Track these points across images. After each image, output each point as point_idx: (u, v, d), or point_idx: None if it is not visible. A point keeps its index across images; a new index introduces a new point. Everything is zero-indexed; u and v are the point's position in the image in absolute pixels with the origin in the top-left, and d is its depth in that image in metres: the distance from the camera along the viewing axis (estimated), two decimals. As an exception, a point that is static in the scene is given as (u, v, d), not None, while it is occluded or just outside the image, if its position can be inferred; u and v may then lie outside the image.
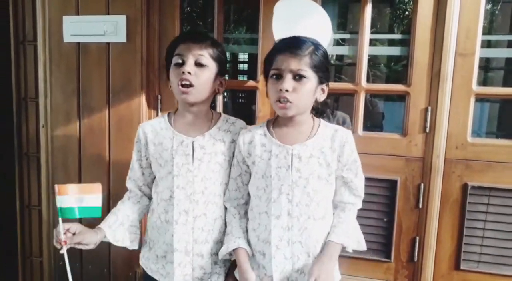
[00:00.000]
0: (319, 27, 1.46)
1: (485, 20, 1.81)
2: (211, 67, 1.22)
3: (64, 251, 1.14)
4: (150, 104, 1.84)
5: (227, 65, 1.34)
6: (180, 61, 1.20)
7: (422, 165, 1.65)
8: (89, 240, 1.18)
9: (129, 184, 1.36)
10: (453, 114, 1.60)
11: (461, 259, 1.64)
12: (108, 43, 1.81)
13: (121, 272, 1.92)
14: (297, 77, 1.12)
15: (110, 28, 1.79)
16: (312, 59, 1.12)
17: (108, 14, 1.79)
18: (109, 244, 1.91)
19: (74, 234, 1.17)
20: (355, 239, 1.22)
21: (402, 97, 1.68)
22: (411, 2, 1.62)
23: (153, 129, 1.29)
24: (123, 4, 1.78)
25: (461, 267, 1.64)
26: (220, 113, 1.35)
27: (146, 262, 1.34)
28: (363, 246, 1.24)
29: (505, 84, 2.59)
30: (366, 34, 1.67)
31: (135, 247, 1.32)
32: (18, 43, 1.98)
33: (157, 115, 1.86)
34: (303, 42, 1.14)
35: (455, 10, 1.55)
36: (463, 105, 1.59)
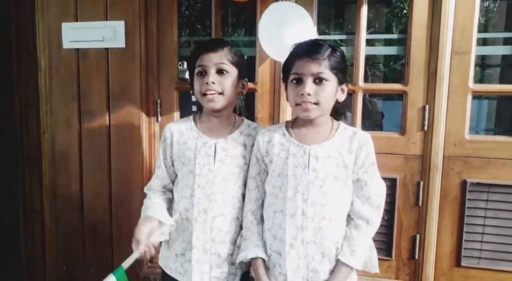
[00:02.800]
0: (304, 31, 1.51)
1: (481, 17, 1.82)
2: (232, 73, 1.27)
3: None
4: (150, 109, 1.86)
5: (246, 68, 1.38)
6: (203, 71, 1.25)
7: (421, 163, 1.66)
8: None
9: (154, 182, 1.38)
10: (451, 111, 1.61)
11: (462, 256, 1.65)
12: (107, 49, 1.83)
13: (124, 275, 1.93)
14: (317, 80, 1.13)
15: (108, 34, 1.80)
16: (330, 61, 1.13)
17: (107, 20, 1.81)
18: (111, 247, 1.93)
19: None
20: (368, 261, 1.22)
21: (401, 96, 1.69)
22: (408, 1, 1.64)
23: (179, 129, 1.34)
24: (121, 10, 1.79)
25: (462, 264, 1.65)
26: (243, 118, 1.39)
27: (165, 261, 1.37)
28: (375, 269, 1.22)
29: (502, 81, 2.60)
30: (363, 34, 1.68)
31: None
32: (18, 50, 1.99)
33: (156, 120, 1.88)
34: (320, 46, 1.15)
35: (450, 8, 1.56)
36: (460, 103, 1.60)
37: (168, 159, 1.35)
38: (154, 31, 1.83)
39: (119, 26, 1.79)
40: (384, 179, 1.66)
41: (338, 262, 1.17)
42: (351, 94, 1.73)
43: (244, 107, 1.45)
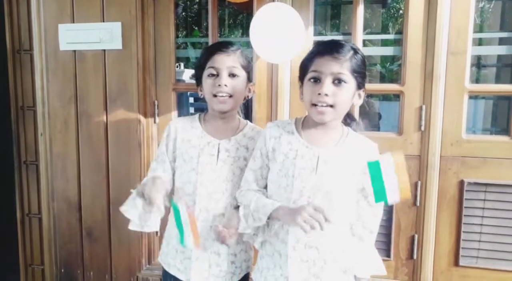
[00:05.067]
0: (294, 32, 1.53)
1: (476, 18, 1.83)
2: (242, 76, 1.29)
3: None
4: (147, 109, 1.86)
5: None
6: (215, 73, 1.26)
7: (418, 163, 1.66)
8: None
9: (150, 173, 1.36)
10: (447, 111, 1.62)
11: (460, 255, 1.65)
12: (104, 50, 1.83)
13: (122, 278, 1.93)
14: (336, 81, 1.10)
15: (105, 35, 1.80)
16: (352, 63, 1.10)
17: (103, 21, 1.81)
18: (110, 249, 1.93)
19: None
20: (376, 266, 1.22)
21: (397, 97, 1.70)
22: (404, 2, 1.64)
23: (184, 126, 1.34)
24: (118, 11, 1.79)
25: (460, 263, 1.66)
26: (247, 121, 1.40)
27: (165, 258, 1.37)
28: (383, 271, 1.22)
29: (498, 81, 2.62)
30: (359, 34, 1.69)
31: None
32: (14, 52, 1.99)
33: (154, 121, 1.88)
34: (343, 46, 1.12)
35: (446, 9, 1.57)
36: (456, 103, 1.61)
37: (170, 154, 1.34)
38: (151, 32, 1.83)
39: (116, 27, 1.79)
40: (382, 179, 1.68)
41: (356, 278, 1.19)
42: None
43: (242, 108, 1.44)
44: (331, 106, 1.10)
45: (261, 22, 1.56)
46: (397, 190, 1.03)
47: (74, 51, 1.86)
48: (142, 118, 1.84)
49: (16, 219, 2.07)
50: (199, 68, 1.31)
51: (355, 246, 1.19)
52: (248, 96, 1.36)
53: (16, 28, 1.98)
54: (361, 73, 1.14)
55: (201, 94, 1.34)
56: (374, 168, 1.04)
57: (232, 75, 1.26)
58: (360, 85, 1.15)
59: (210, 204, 1.27)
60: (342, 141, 1.18)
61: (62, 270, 1.99)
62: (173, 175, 1.36)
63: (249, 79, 1.33)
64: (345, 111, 1.16)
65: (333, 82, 1.09)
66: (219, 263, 1.28)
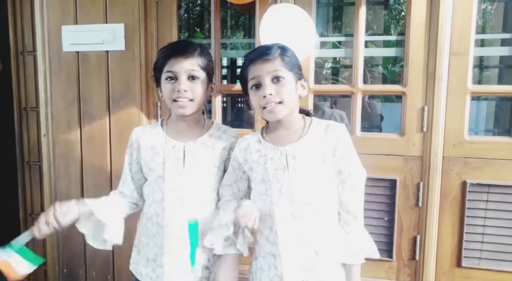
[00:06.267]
0: (305, 32, 1.52)
1: (478, 19, 1.83)
2: (202, 78, 1.25)
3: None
4: (150, 111, 1.86)
5: (224, 70, 1.36)
6: (172, 76, 1.23)
7: (420, 163, 1.66)
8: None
9: (120, 186, 1.37)
10: (450, 112, 1.61)
11: (462, 256, 1.65)
12: (107, 51, 1.83)
13: (124, 277, 1.93)
14: (275, 80, 1.15)
15: (108, 37, 1.81)
16: (283, 60, 1.16)
17: (106, 23, 1.82)
18: (112, 250, 1.93)
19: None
20: (368, 250, 1.23)
21: (400, 98, 1.70)
22: (406, 3, 1.64)
23: (146, 133, 1.32)
24: (121, 12, 1.80)
25: (463, 264, 1.65)
26: (212, 121, 1.37)
27: (136, 266, 1.34)
28: (376, 254, 1.23)
29: (501, 82, 2.61)
30: (361, 36, 1.69)
31: (119, 241, 1.29)
32: (18, 54, 2.00)
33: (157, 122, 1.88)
34: (270, 47, 1.18)
35: (448, 9, 1.57)
36: (459, 104, 1.61)
37: (134, 164, 1.33)
38: (154, 33, 1.84)
39: (119, 28, 1.80)
40: (384, 180, 1.68)
41: (345, 266, 1.20)
42: (350, 96, 1.73)
43: (205, 108, 1.42)
44: (280, 102, 1.15)
45: (271, 23, 1.55)
46: None
47: (77, 52, 1.87)
48: (144, 119, 1.84)
49: (19, 220, 2.07)
50: (157, 70, 1.28)
51: (342, 234, 1.20)
52: (210, 96, 1.33)
53: (20, 30, 1.99)
54: (296, 66, 1.19)
55: (161, 96, 1.30)
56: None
57: (191, 77, 1.23)
58: (299, 77, 1.20)
59: (180, 210, 1.24)
60: (305, 132, 1.20)
61: (65, 270, 2.00)
62: (144, 183, 1.34)
63: (210, 78, 1.29)
64: (294, 103, 1.20)
65: (272, 81, 1.15)
66: (193, 269, 1.25)
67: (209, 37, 1.85)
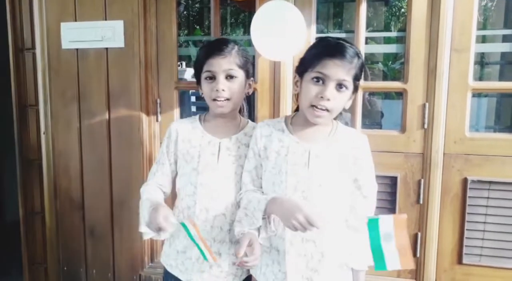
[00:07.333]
0: (296, 29, 1.52)
1: (479, 15, 1.82)
2: (240, 76, 1.27)
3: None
4: (150, 108, 1.86)
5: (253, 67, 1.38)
6: (212, 76, 1.26)
7: (421, 160, 1.66)
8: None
9: (150, 176, 1.36)
10: (451, 109, 1.61)
11: (463, 253, 1.65)
12: (106, 48, 1.83)
13: (125, 276, 1.93)
14: (338, 87, 1.12)
15: (107, 34, 1.80)
16: (356, 70, 1.12)
17: (106, 19, 1.81)
18: (112, 247, 1.93)
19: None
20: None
21: (400, 94, 1.69)
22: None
23: (185, 126, 1.34)
24: (120, 9, 1.79)
25: (464, 261, 1.65)
26: (248, 120, 1.39)
27: (166, 259, 1.37)
28: None
29: (502, 78, 2.61)
30: (362, 32, 1.68)
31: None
32: (17, 51, 1.99)
33: (156, 119, 1.88)
34: (351, 50, 1.12)
35: (449, 6, 1.56)
36: (460, 100, 1.60)
37: (171, 155, 1.35)
38: (153, 30, 1.83)
39: (118, 25, 1.79)
40: (385, 177, 1.68)
41: (353, 271, 1.21)
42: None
43: (247, 106, 1.44)
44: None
45: (262, 20, 1.55)
46: (397, 258, 1.01)
47: (77, 49, 1.86)
48: (144, 116, 1.84)
49: (19, 217, 2.07)
50: (196, 70, 1.31)
51: (350, 239, 1.20)
52: (248, 93, 1.35)
53: (19, 27, 1.98)
54: (359, 78, 1.17)
55: (201, 94, 1.33)
56: (373, 225, 1.03)
57: (229, 77, 1.25)
58: (356, 89, 1.17)
59: (210, 204, 1.26)
60: (332, 135, 1.20)
61: (65, 268, 2.00)
62: (175, 176, 1.37)
63: (248, 76, 1.31)
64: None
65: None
66: (219, 263, 1.27)
67: (208, 34, 1.85)
